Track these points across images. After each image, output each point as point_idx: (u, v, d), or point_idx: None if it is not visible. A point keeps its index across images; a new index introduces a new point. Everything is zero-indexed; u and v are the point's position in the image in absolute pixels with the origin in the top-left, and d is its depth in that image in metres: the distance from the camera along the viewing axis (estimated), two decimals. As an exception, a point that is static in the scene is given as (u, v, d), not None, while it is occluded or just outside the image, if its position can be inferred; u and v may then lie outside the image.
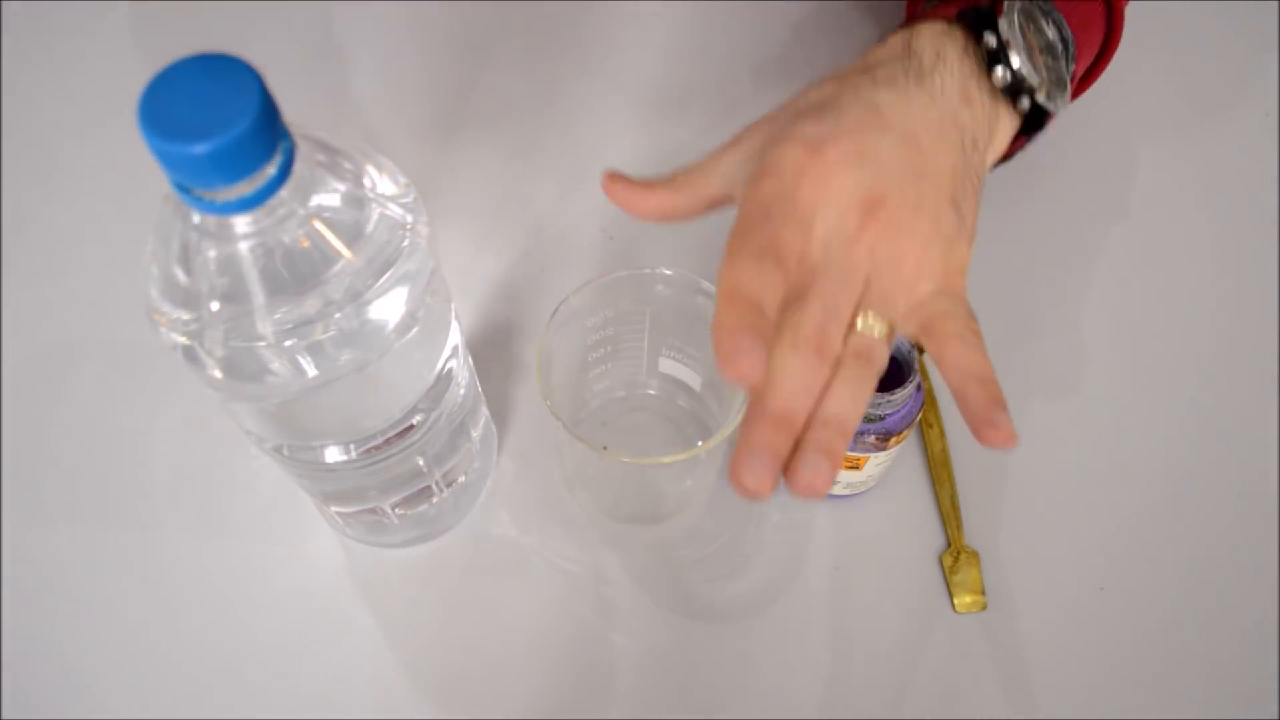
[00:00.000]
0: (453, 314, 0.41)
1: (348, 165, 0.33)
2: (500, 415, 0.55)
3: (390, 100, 0.66)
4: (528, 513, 0.53)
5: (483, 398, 0.50)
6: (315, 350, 0.33)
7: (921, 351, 0.57)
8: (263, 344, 0.32)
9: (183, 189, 0.28)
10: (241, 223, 0.29)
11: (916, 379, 0.46)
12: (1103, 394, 0.57)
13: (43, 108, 0.66)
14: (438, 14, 0.69)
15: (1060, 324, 0.59)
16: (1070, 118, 0.66)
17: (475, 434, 0.48)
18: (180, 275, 0.31)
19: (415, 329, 0.35)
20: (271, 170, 0.28)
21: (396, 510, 0.47)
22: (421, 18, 0.69)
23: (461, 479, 0.49)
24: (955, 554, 0.51)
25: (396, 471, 0.43)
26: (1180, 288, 0.60)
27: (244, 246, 0.30)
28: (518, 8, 0.69)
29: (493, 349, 0.57)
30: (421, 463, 0.44)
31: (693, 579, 0.51)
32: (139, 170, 0.62)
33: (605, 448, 0.54)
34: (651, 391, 0.55)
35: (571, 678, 0.49)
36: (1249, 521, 0.53)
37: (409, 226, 0.34)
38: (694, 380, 0.52)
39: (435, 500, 0.48)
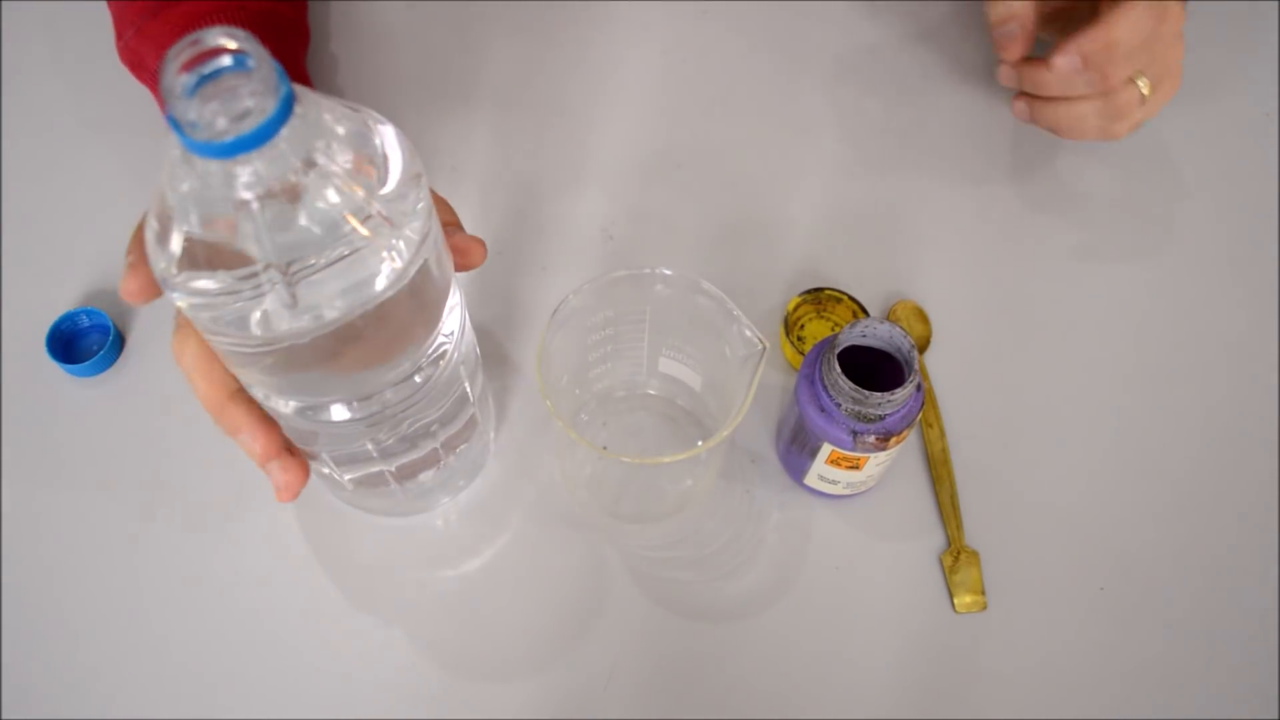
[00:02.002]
0: (453, 285, 0.42)
1: (351, 126, 0.34)
2: (502, 412, 0.55)
3: (389, 100, 0.66)
4: (523, 511, 0.53)
5: (480, 366, 0.50)
6: (304, 299, 0.34)
7: (922, 351, 0.57)
8: (254, 289, 0.33)
9: (180, 130, 0.30)
10: (243, 172, 0.31)
11: (916, 379, 0.46)
12: (1103, 394, 0.57)
13: (43, 107, 0.66)
14: (437, 11, 0.69)
15: (1060, 324, 0.59)
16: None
17: (473, 392, 0.49)
18: (183, 225, 0.32)
19: (404, 287, 0.36)
20: (269, 105, 0.30)
21: (400, 479, 0.48)
22: (421, 15, 0.69)
23: (461, 448, 0.50)
24: (955, 554, 0.51)
25: (402, 434, 0.45)
26: (1181, 288, 0.60)
27: (245, 195, 0.31)
28: (519, 6, 0.69)
29: (493, 348, 0.57)
30: (426, 424, 0.45)
31: (693, 579, 0.51)
32: (138, 164, 0.63)
33: (605, 448, 0.54)
34: (651, 391, 0.55)
35: (571, 677, 0.49)
36: (1249, 521, 0.53)
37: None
38: (694, 380, 0.52)
39: (440, 467, 0.49)
